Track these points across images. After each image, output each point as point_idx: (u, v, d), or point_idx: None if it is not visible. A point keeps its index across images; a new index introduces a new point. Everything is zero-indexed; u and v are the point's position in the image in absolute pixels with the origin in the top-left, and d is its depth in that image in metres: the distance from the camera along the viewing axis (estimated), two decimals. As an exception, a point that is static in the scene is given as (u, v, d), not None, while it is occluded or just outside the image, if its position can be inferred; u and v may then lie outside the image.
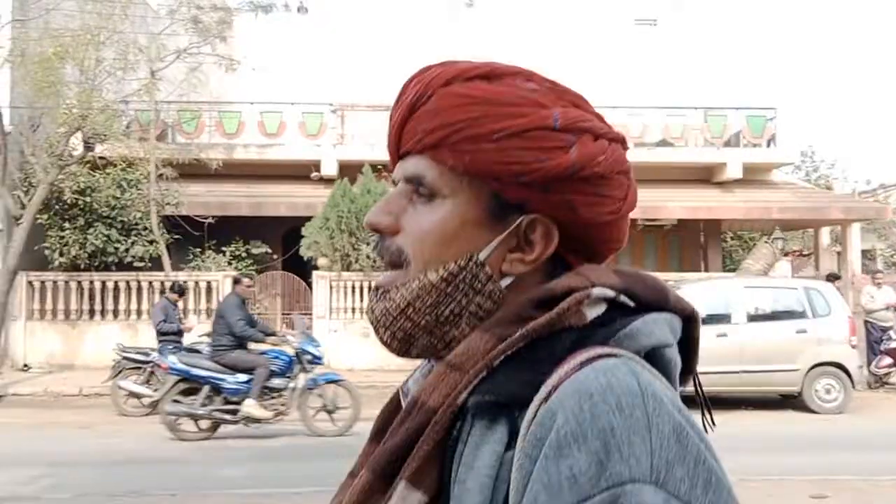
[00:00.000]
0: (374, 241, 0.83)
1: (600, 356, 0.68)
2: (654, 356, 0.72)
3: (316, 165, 15.95)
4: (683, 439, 0.64)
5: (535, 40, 17.18)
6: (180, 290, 10.73)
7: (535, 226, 0.78)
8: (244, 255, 15.67)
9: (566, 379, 0.66)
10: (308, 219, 14.54)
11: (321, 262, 14.21)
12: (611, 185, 0.79)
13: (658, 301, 0.76)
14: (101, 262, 14.06)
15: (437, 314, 0.78)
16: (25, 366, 13.62)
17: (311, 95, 16.11)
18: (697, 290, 11.06)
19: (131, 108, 14.54)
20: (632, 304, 0.75)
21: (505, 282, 0.78)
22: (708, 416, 0.83)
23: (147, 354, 10.33)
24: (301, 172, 15.92)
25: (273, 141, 16.09)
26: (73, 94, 12.19)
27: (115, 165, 13.78)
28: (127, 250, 13.99)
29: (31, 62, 11.88)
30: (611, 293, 0.74)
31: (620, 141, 0.81)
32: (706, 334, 10.52)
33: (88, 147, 12.50)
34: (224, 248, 15.32)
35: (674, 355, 0.75)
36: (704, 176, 17.54)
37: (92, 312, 13.91)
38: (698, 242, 18.74)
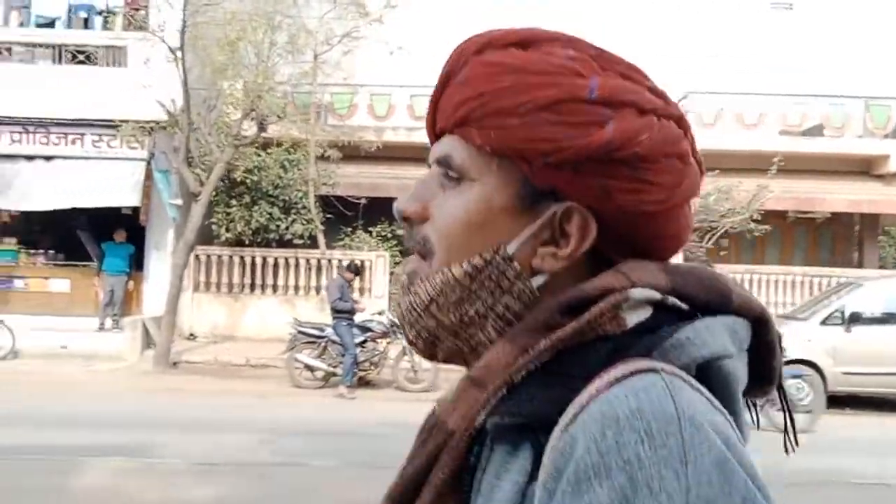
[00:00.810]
0: (405, 232, 0.76)
1: (638, 371, 0.59)
2: (708, 370, 0.63)
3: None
4: (727, 474, 0.55)
5: (671, 24, 16.72)
6: (356, 270, 11.04)
7: (570, 215, 0.69)
8: (389, 235, 15.98)
9: (595, 398, 0.58)
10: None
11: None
12: (656, 170, 0.68)
13: (718, 302, 0.66)
14: (262, 239, 14.65)
15: (461, 314, 0.70)
16: (191, 335, 14.35)
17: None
18: (883, 287, 10.58)
19: (291, 91, 14.97)
20: (684, 306, 0.65)
21: (537, 280, 0.70)
22: (791, 435, 0.74)
23: (322, 330, 10.71)
24: (448, 156, 16.06)
25: (421, 124, 16.27)
26: (248, 77, 12.66)
27: (279, 145, 14.28)
28: (287, 228, 14.50)
29: (210, 45, 12.42)
30: (655, 295, 0.65)
31: (676, 119, 0.70)
32: (893, 335, 10.13)
33: (262, 128, 12.98)
34: (371, 229, 15.67)
35: (734, 368, 0.65)
36: (863, 168, 16.71)
37: (253, 286, 14.50)
38: (852, 237, 17.91)
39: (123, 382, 11.24)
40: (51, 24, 14.55)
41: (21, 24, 14.51)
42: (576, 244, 0.69)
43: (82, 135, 13.30)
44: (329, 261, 14.24)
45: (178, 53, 11.77)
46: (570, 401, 0.59)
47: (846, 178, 16.40)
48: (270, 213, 14.43)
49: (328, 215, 14.85)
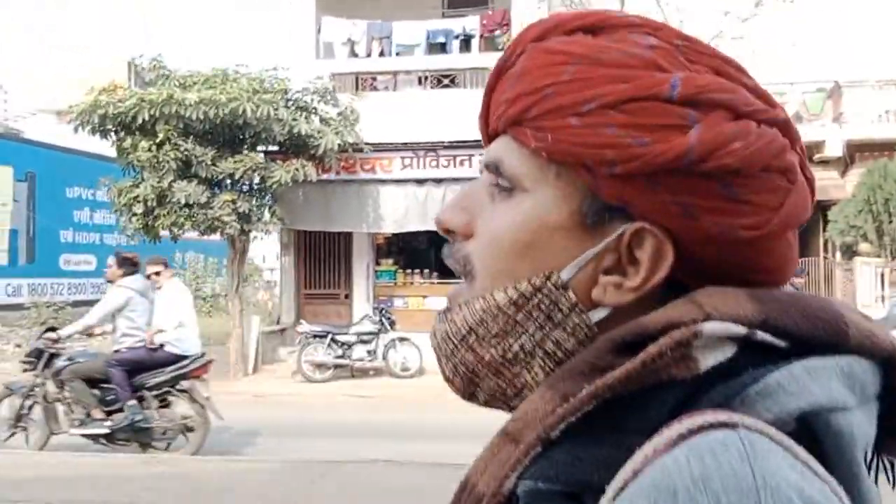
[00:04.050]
0: (445, 248, 0.65)
1: (707, 427, 0.47)
2: (814, 426, 0.50)
3: (817, 146, 15.34)
4: None
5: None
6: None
7: (642, 238, 0.57)
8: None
9: (650, 462, 0.47)
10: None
11: (863, 247, 13.63)
12: (753, 187, 0.56)
13: (828, 338, 0.53)
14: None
15: (504, 349, 0.60)
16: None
17: (812, 74, 15.53)
18: None
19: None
20: (781, 343, 0.52)
21: (597, 315, 0.59)
22: None
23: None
24: (801, 155, 15.41)
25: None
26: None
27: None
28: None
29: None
30: (737, 329, 0.52)
31: (780, 125, 0.58)
32: None
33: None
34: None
35: (848, 424, 0.51)
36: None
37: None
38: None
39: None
40: (410, 51, 15.12)
41: (381, 54, 15.16)
42: (646, 275, 0.57)
43: (470, 156, 13.66)
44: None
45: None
46: (622, 463, 0.49)
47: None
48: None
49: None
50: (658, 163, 0.55)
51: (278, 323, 15.12)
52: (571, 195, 0.59)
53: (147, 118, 11.56)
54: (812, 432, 0.51)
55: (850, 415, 0.52)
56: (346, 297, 14.88)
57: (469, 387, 0.63)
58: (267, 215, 12.63)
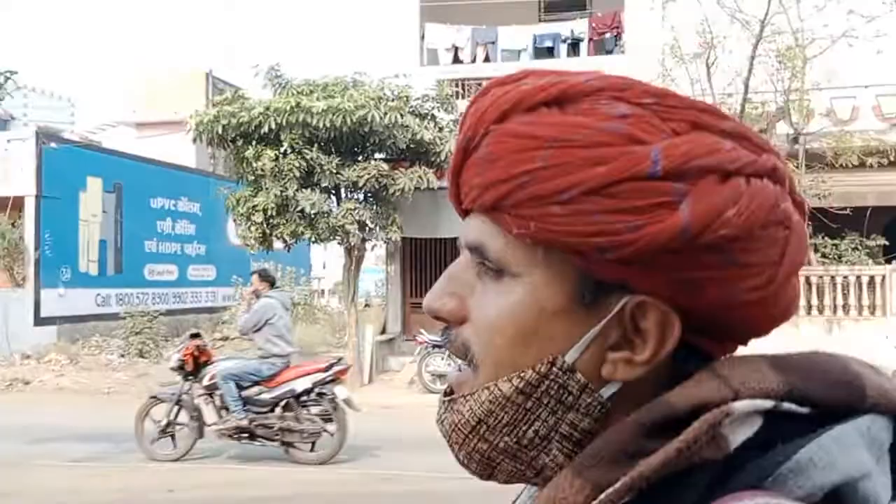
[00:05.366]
0: (442, 332, 0.63)
1: None
2: (844, 493, 0.50)
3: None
4: None
5: None
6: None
7: (645, 311, 0.55)
8: (858, 246, 14.90)
9: None
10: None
11: None
12: (753, 248, 0.53)
13: (847, 399, 0.52)
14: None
15: (518, 436, 0.58)
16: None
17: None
18: None
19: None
20: (803, 410, 0.52)
21: (608, 390, 0.57)
22: None
23: None
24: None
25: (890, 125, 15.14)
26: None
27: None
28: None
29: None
30: (766, 404, 0.51)
31: (768, 173, 0.54)
32: None
33: (795, 140, 12.48)
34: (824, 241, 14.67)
35: (874, 490, 0.50)
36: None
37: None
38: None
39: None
40: (515, 56, 14.91)
41: (486, 60, 14.97)
42: (655, 346, 0.55)
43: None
44: (832, 277, 13.41)
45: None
46: None
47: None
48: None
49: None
50: (652, 247, 0.52)
51: (384, 332, 14.94)
52: (564, 276, 0.56)
53: (273, 127, 11.47)
54: (838, 498, 0.50)
55: (872, 481, 0.51)
56: (454, 306, 14.66)
57: (486, 470, 0.61)
58: (383, 223, 12.44)
